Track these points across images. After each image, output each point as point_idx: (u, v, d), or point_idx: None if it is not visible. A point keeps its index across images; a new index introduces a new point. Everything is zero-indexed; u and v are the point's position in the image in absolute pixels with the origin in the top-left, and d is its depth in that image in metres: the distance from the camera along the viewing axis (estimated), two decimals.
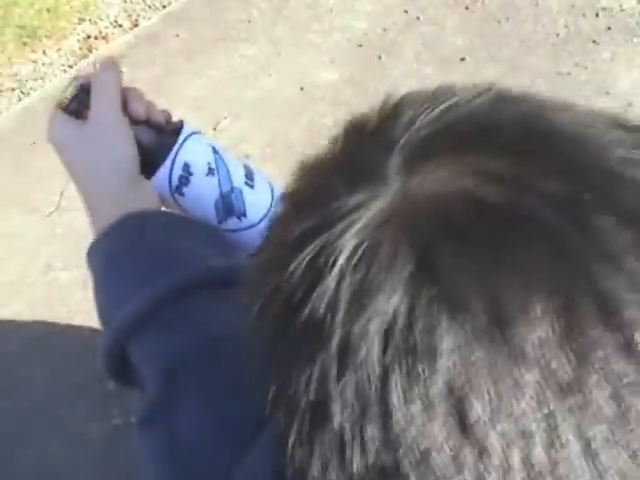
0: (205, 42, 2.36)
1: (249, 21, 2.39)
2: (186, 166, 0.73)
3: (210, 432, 0.55)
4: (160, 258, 0.66)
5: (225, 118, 2.16)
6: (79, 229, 2.05)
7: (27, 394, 1.84)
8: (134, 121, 0.72)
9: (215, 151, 0.76)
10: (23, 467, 1.74)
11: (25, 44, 2.40)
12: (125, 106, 0.72)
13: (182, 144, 0.73)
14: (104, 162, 0.69)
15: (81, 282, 1.95)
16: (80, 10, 2.46)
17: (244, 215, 0.76)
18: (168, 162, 0.73)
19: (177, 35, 2.37)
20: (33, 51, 2.40)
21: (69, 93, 0.71)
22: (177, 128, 0.75)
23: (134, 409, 0.60)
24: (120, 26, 2.43)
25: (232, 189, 0.75)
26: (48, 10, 2.45)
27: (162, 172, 0.73)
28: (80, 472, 1.72)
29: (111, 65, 0.72)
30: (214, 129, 2.15)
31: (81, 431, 1.77)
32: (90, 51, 2.37)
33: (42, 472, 1.73)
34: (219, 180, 0.75)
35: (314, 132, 2.11)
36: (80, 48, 2.38)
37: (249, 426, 0.51)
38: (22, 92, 2.34)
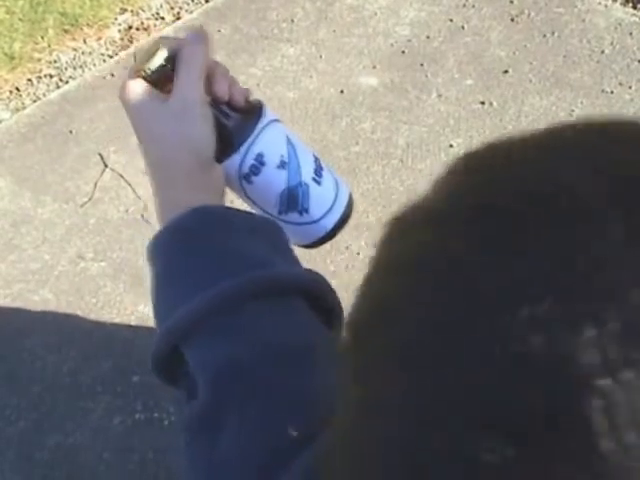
0: (247, 39, 2.34)
1: (292, 21, 2.37)
2: (259, 156, 0.71)
3: (251, 450, 0.54)
4: (221, 261, 0.64)
5: None
6: (111, 221, 2.05)
7: (52, 383, 1.84)
8: (216, 100, 0.70)
9: (289, 142, 0.74)
10: (49, 454, 1.74)
11: (66, 31, 2.40)
12: (208, 82, 0.69)
13: (260, 133, 0.71)
14: (179, 141, 0.67)
15: (111, 274, 1.95)
16: (122, 0, 2.45)
17: (306, 211, 0.75)
18: (243, 149, 0.71)
19: (219, 30, 2.35)
20: (74, 39, 2.39)
21: (154, 63, 0.68)
22: (257, 113, 0.72)
23: (184, 412, 0.59)
24: (162, 18, 2.41)
25: (300, 183, 0.74)
26: None
27: (235, 158, 0.71)
28: (101, 464, 1.72)
29: (200, 38, 0.69)
30: None
31: (104, 424, 1.76)
32: (131, 42, 2.36)
33: (64, 461, 1.73)
34: (288, 174, 0.73)
35: (352, 136, 2.10)
36: (121, 39, 2.37)
37: (290, 443, 0.50)
38: (60, 79, 2.33)
